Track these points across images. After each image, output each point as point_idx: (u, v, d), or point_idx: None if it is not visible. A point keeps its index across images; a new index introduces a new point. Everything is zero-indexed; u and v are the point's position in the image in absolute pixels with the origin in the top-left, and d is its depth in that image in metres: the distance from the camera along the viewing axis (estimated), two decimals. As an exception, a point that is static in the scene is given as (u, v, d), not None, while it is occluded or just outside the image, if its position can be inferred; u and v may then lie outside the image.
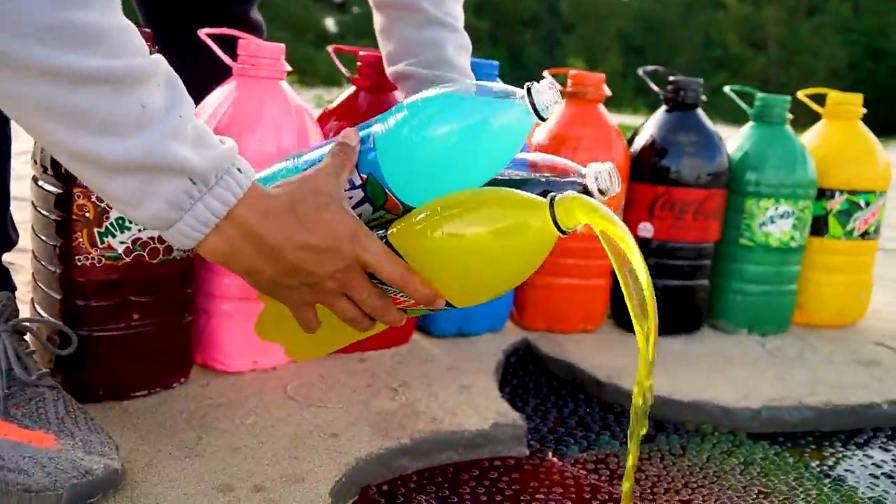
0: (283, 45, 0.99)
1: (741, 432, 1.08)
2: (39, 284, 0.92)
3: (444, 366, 1.14)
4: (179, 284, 0.94)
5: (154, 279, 0.90)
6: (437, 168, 0.69)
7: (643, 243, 1.34)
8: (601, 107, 1.32)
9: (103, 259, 0.86)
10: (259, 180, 0.72)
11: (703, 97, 1.38)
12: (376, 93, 1.11)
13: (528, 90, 0.67)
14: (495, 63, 1.22)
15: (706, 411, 1.10)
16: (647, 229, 1.34)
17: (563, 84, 1.33)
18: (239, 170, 0.64)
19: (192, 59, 1.02)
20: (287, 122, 0.98)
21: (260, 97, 0.97)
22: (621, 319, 1.38)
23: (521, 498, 0.86)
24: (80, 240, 0.84)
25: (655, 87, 1.41)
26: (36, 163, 0.89)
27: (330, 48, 1.15)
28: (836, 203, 1.47)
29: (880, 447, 1.09)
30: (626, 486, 0.67)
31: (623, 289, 0.63)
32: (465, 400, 1.02)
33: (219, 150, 0.63)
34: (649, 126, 1.39)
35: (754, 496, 0.92)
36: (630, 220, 1.35)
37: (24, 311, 0.92)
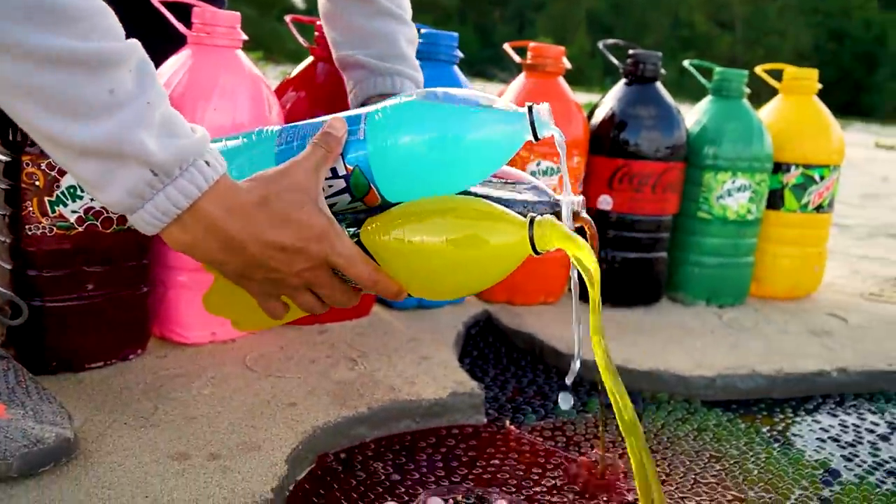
0: (238, 14, 0.98)
1: (696, 400, 1.10)
2: (-10, 255, 0.90)
3: (405, 337, 1.14)
4: (135, 255, 0.93)
5: (108, 249, 0.89)
6: (431, 172, 0.69)
7: (603, 216, 1.36)
8: (561, 80, 1.32)
9: (55, 228, 0.85)
10: (224, 151, 0.72)
11: (663, 71, 1.39)
12: (334, 63, 1.10)
13: (530, 109, 0.69)
14: (455, 35, 1.22)
15: (662, 380, 1.12)
16: (606, 202, 1.35)
17: (524, 57, 1.33)
18: (207, 163, 0.63)
19: (145, 28, 1.00)
20: (243, 92, 0.97)
21: (215, 66, 0.96)
22: (582, 292, 1.39)
23: (477, 463, 0.87)
24: (31, 209, 0.83)
25: (615, 61, 1.42)
26: (-16, 131, 0.87)
27: (288, 18, 1.14)
28: (792, 177, 1.49)
29: (828, 413, 1.12)
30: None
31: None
32: (423, 370, 1.03)
33: (186, 142, 0.62)
34: (609, 99, 1.40)
35: (706, 460, 0.94)
36: (590, 193, 1.36)
37: (-25, 283, 0.90)
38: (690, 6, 20.00)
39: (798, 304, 1.53)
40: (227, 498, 0.70)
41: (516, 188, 0.76)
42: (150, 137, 0.60)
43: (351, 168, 0.70)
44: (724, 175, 1.41)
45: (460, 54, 1.25)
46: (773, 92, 1.58)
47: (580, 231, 0.76)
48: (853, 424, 1.08)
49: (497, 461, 0.88)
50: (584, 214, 0.77)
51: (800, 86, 1.54)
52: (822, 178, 1.50)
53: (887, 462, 0.97)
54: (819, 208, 1.52)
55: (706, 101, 1.47)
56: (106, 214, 0.88)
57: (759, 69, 1.56)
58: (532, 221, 0.66)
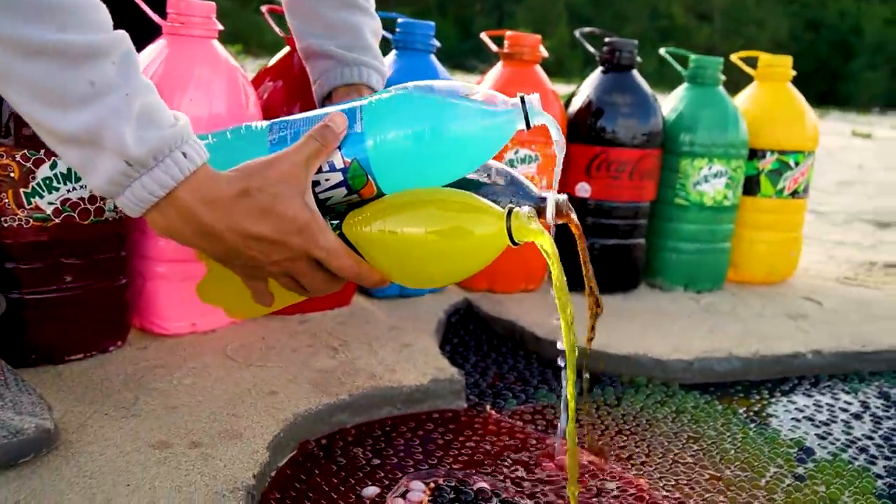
0: (213, 4, 0.97)
1: (674, 383, 1.12)
2: (-34, 248, 0.90)
3: (385, 326, 1.15)
4: (113, 246, 0.93)
5: (86, 241, 0.89)
6: (428, 164, 0.71)
7: (581, 203, 1.37)
8: (538, 68, 1.33)
9: (31, 220, 0.84)
10: (215, 146, 0.73)
11: (639, 59, 1.40)
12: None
13: (522, 99, 0.71)
14: (431, 24, 1.22)
15: (641, 364, 1.13)
16: (584, 189, 1.36)
17: (501, 45, 1.33)
18: (184, 154, 0.64)
19: (120, 18, 1.00)
20: (219, 82, 0.97)
21: (191, 57, 0.96)
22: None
23: (452, 445, 0.88)
24: (6, 200, 0.83)
25: (592, 49, 1.43)
26: (-42, 123, 0.86)
27: (264, 8, 1.13)
28: (768, 163, 1.51)
29: (804, 393, 1.14)
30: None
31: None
32: (404, 357, 1.03)
33: (163, 133, 0.63)
34: (586, 87, 1.41)
35: (684, 441, 0.95)
36: (568, 181, 1.37)
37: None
38: (669, -3, 20.08)
39: (774, 289, 1.55)
40: (209, 484, 0.70)
41: (504, 181, 0.78)
42: (127, 129, 0.61)
43: (349, 161, 0.71)
44: (701, 161, 1.42)
45: (437, 43, 1.25)
46: (749, 80, 1.59)
47: (564, 227, 0.78)
48: (827, 404, 1.10)
49: (472, 444, 0.89)
50: (570, 212, 0.78)
51: (774, 73, 1.55)
52: (797, 163, 1.51)
53: (860, 440, 0.98)
54: (794, 194, 1.54)
55: (682, 89, 1.48)
56: (83, 206, 0.87)
57: (734, 57, 1.57)
58: (510, 213, 0.67)
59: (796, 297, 1.50)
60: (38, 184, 0.84)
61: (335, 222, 0.73)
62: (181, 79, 0.94)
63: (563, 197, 0.78)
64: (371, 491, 0.77)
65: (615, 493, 0.81)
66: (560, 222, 0.78)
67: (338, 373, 0.96)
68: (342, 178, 0.72)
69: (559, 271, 0.69)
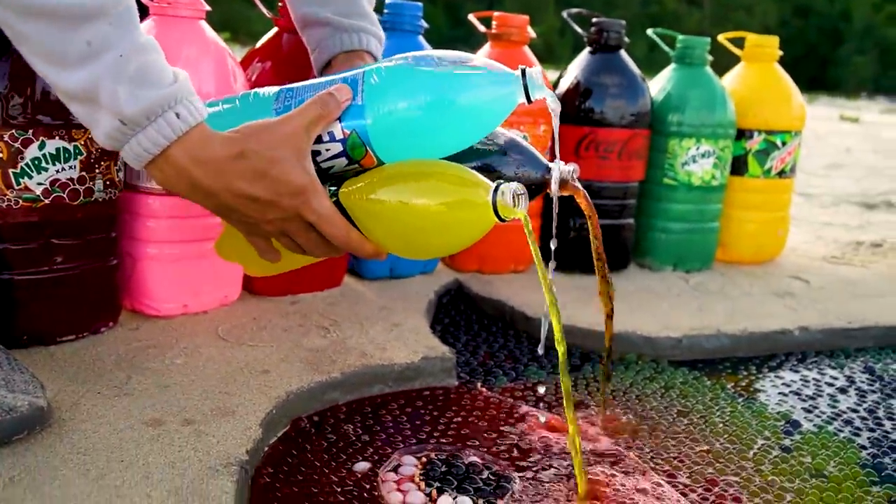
0: (200, -16, 0.97)
1: (663, 360, 1.13)
2: (-44, 230, 0.90)
3: (376, 306, 1.15)
4: (103, 227, 0.93)
5: (76, 221, 0.89)
6: (427, 136, 0.71)
7: (570, 184, 1.37)
8: (527, 49, 1.33)
9: (20, 201, 0.84)
10: (220, 114, 0.75)
11: (626, 39, 1.41)
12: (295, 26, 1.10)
13: (523, 72, 0.70)
14: (419, 4, 1.22)
15: (630, 341, 1.14)
16: (573, 169, 1.37)
17: (489, 26, 1.33)
18: (177, 114, 0.66)
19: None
20: (207, 63, 0.97)
21: (178, 37, 0.95)
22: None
23: (443, 421, 0.89)
24: (-5, 181, 0.83)
25: (580, 30, 1.43)
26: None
27: (251, -11, 1.13)
28: (755, 143, 1.52)
29: (791, 369, 1.15)
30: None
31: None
32: (395, 336, 1.04)
33: (158, 93, 0.65)
34: (573, 68, 1.41)
35: (674, 415, 0.96)
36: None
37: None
38: (659, -17, 20.06)
39: (763, 268, 1.56)
40: (203, 460, 0.71)
41: (510, 149, 0.77)
42: (121, 89, 0.64)
43: (348, 132, 0.71)
44: (689, 142, 1.43)
45: (425, 24, 1.25)
46: (737, 62, 1.60)
47: (569, 199, 0.78)
48: (814, 379, 1.11)
49: (466, 420, 0.90)
50: (577, 184, 0.78)
51: (762, 53, 1.56)
52: (784, 143, 1.52)
53: (844, 412, 1.00)
54: (782, 173, 1.55)
55: (670, 69, 1.48)
56: (72, 186, 0.87)
57: (721, 37, 1.58)
58: (497, 188, 0.67)
59: (784, 276, 1.51)
60: (26, 164, 0.84)
61: (334, 188, 0.73)
62: (169, 59, 0.93)
63: (571, 168, 0.77)
64: (363, 466, 0.78)
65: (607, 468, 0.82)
66: (565, 194, 0.77)
67: (329, 351, 0.97)
68: (342, 149, 0.72)
69: (537, 251, 0.69)
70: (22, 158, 0.83)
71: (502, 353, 1.12)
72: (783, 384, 1.09)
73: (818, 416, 0.98)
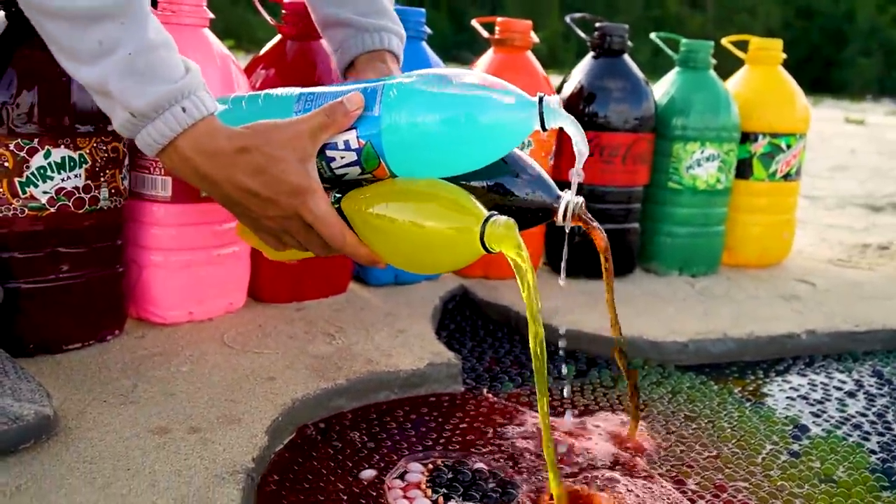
0: (204, -8, 0.98)
1: (669, 364, 1.12)
2: (-38, 240, 0.90)
3: (381, 312, 1.15)
4: (108, 235, 0.93)
5: (82, 230, 0.89)
6: (440, 155, 0.72)
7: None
8: (530, 54, 1.33)
9: (26, 210, 0.85)
10: (237, 112, 0.79)
11: (630, 43, 1.41)
12: (303, 41, 1.10)
13: (540, 100, 0.70)
14: (422, 10, 1.23)
15: (636, 346, 1.14)
16: (579, 174, 1.36)
17: (492, 32, 1.34)
18: (183, 108, 0.70)
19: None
20: (211, 71, 0.97)
21: (182, 45, 0.94)
22: (556, 265, 1.41)
23: (449, 428, 0.89)
24: (1, 190, 0.83)
25: (583, 34, 1.43)
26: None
27: (254, -3, 1.13)
28: (760, 146, 1.51)
29: (798, 373, 1.14)
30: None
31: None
32: (400, 342, 1.04)
33: (165, 89, 0.70)
34: (577, 73, 1.41)
35: (681, 420, 0.96)
36: (561, 167, 1.37)
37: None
38: (661, -14, 20.08)
39: (769, 272, 1.56)
40: (209, 468, 0.71)
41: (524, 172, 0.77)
42: (131, 85, 0.69)
43: (363, 143, 0.73)
44: (693, 145, 1.43)
45: (428, 30, 1.25)
46: (741, 65, 1.60)
47: (579, 230, 0.77)
48: (822, 383, 1.11)
49: (473, 426, 0.90)
50: (590, 220, 0.77)
51: (765, 56, 1.56)
52: (788, 146, 1.52)
53: (853, 417, 0.99)
54: (787, 176, 1.54)
55: (674, 73, 1.48)
56: (78, 195, 0.88)
57: (725, 40, 1.58)
58: (487, 220, 0.67)
59: (790, 280, 1.51)
60: (32, 173, 0.84)
61: (339, 195, 0.75)
62: (173, 67, 0.94)
63: (579, 200, 0.76)
64: (369, 473, 0.78)
65: (618, 476, 0.82)
66: (573, 224, 0.77)
67: (335, 358, 0.97)
68: (356, 158, 0.74)
69: (528, 291, 0.68)
70: (27, 167, 0.84)
71: (508, 359, 1.12)
72: (791, 388, 1.08)
73: (827, 421, 0.98)
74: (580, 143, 0.73)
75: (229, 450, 0.74)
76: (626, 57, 1.40)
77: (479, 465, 0.81)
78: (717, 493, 0.79)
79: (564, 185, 0.78)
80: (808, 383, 1.10)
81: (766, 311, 1.30)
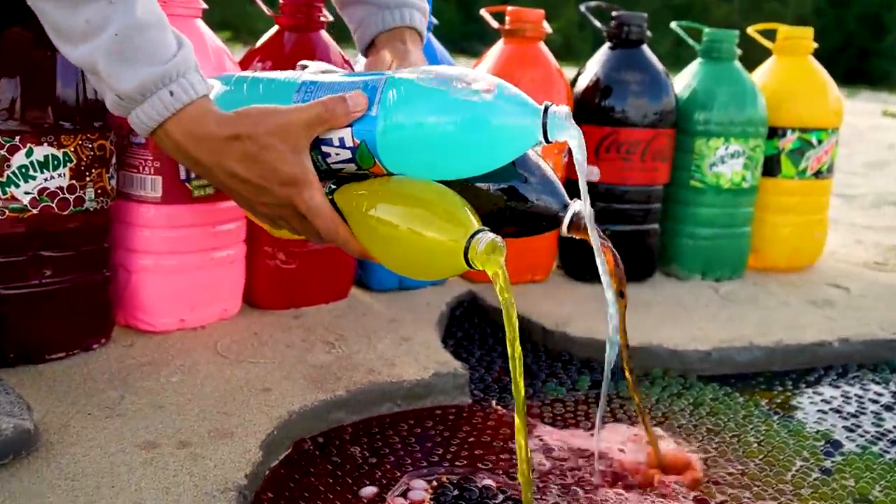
0: (196, -19, 0.98)
1: (691, 374, 1.12)
2: (-60, 243, 0.90)
3: (384, 319, 1.15)
4: (95, 238, 0.93)
5: (66, 232, 0.89)
6: (436, 159, 0.72)
7: (590, 187, 1.36)
8: (542, 45, 1.33)
9: (7, 211, 0.85)
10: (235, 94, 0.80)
11: (648, 33, 1.40)
12: (300, 32, 1.10)
13: (545, 109, 0.70)
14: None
15: (655, 355, 1.13)
16: (593, 173, 1.36)
17: (502, 22, 1.33)
18: (171, 92, 0.71)
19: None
20: (204, 63, 0.96)
21: (173, 36, 0.96)
22: (571, 269, 1.41)
23: (455, 442, 0.88)
24: (-20, 191, 0.83)
25: (598, 24, 1.43)
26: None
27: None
28: (788, 142, 1.50)
29: (830, 384, 1.13)
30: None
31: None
32: (405, 351, 1.03)
33: (151, 71, 0.71)
34: (593, 64, 1.40)
35: (704, 434, 0.95)
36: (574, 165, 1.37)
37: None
38: (685, -27, 20.03)
39: (799, 276, 1.54)
40: (199, 485, 0.70)
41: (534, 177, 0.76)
42: (116, 67, 0.70)
43: (358, 142, 0.73)
44: (717, 141, 1.42)
45: (435, 21, 1.25)
46: (768, 56, 1.59)
47: (582, 242, 0.76)
48: (856, 395, 1.09)
49: (480, 441, 0.89)
50: (602, 237, 0.75)
51: (794, 46, 1.55)
52: (819, 141, 1.51)
53: (891, 431, 0.98)
54: (818, 174, 1.53)
55: (696, 64, 1.48)
56: (62, 195, 0.88)
57: (751, 30, 1.57)
58: (473, 235, 0.66)
59: (822, 284, 1.49)
60: (13, 172, 0.84)
61: (334, 187, 0.76)
62: (163, 60, 0.94)
63: (586, 210, 0.75)
64: (369, 491, 0.78)
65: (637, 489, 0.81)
66: (577, 237, 0.76)
67: (334, 368, 0.96)
68: (351, 156, 0.75)
69: (509, 317, 0.69)
70: (8, 166, 0.84)
71: (519, 369, 1.11)
72: (822, 401, 1.07)
73: (861, 436, 0.97)
74: (583, 163, 0.72)
75: (221, 466, 0.74)
76: (645, 47, 1.40)
77: (487, 481, 0.80)
78: (742, 512, 0.78)
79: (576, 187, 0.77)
80: (842, 395, 1.09)
81: (796, 318, 1.29)
